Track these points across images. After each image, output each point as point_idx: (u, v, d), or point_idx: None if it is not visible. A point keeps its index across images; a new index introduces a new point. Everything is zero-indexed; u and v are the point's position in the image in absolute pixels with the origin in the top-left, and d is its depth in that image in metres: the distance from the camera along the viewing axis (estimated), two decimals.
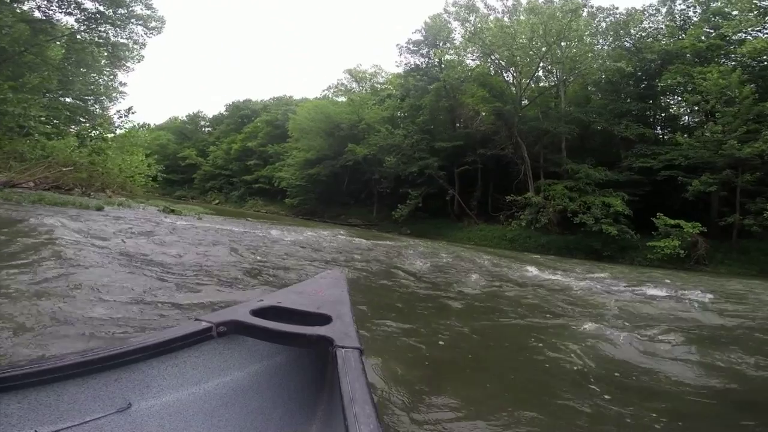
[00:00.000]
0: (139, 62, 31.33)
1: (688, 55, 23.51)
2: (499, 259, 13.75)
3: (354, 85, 40.94)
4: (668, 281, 10.74)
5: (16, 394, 1.01)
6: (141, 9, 26.06)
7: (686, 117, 26.50)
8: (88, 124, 22.23)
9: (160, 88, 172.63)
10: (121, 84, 36.80)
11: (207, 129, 65.80)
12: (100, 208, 11.67)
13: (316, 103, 37.64)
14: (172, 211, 15.12)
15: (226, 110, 62.19)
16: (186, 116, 67.56)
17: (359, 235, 18.99)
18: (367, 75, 40.66)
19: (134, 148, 29.44)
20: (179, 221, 11.88)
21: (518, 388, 2.82)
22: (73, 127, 26.05)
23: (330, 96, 41.88)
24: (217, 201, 50.40)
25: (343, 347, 1.23)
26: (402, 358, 2.86)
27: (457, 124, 31.06)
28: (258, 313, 1.48)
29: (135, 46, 27.75)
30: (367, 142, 30.83)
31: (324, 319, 1.47)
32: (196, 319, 1.42)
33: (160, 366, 1.26)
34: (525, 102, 27.31)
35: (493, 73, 29.96)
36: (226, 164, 52.26)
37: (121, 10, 23.30)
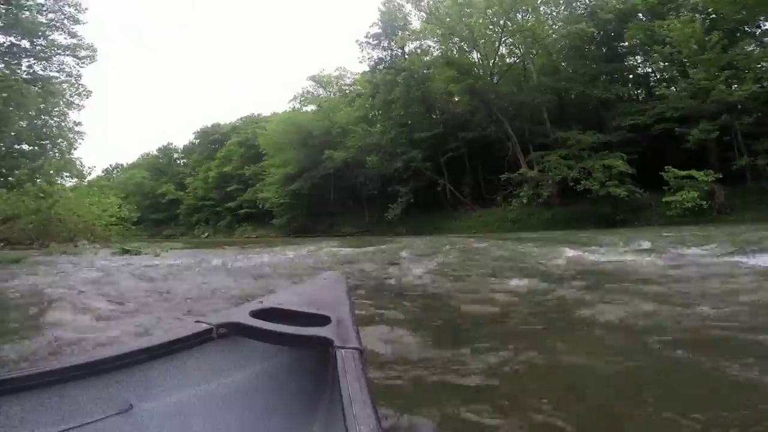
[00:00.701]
0: (87, 98, 29.90)
1: (640, 14, 22.73)
2: (512, 244, 12.01)
3: (321, 91, 38.95)
4: (726, 238, 9.02)
5: (16, 397, 0.98)
6: (64, 38, 24.22)
7: (656, 74, 24.99)
8: (26, 169, 19.95)
9: (128, 125, 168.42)
10: (76, 123, 34.69)
11: (182, 161, 63.38)
12: (16, 261, 9.69)
13: (284, 115, 35.56)
14: (127, 251, 13.11)
15: (195, 138, 59.76)
16: (157, 150, 64.93)
17: (349, 245, 17.24)
18: (332, 78, 38.66)
19: (103, 191, 27.52)
20: (126, 263, 9.77)
21: None
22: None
23: (297, 107, 39.77)
24: (206, 234, 48.30)
25: (343, 348, 1.16)
26: None
27: (434, 116, 29.33)
28: (258, 314, 1.41)
29: (69, 79, 26.05)
30: (344, 146, 28.96)
31: (324, 320, 1.38)
32: (196, 321, 1.38)
33: (160, 368, 1.22)
34: (496, 79, 25.64)
35: (457, 55, 28.23)
36: (206, 194, 50.03)
37: (40, 42, 21.11)
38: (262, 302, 1.58)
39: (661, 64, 22.84)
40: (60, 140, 40.10)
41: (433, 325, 3.23)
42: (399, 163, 26.18)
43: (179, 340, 1.27)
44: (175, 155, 64.70)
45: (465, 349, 2.43)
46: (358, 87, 35.75)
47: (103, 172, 75.41)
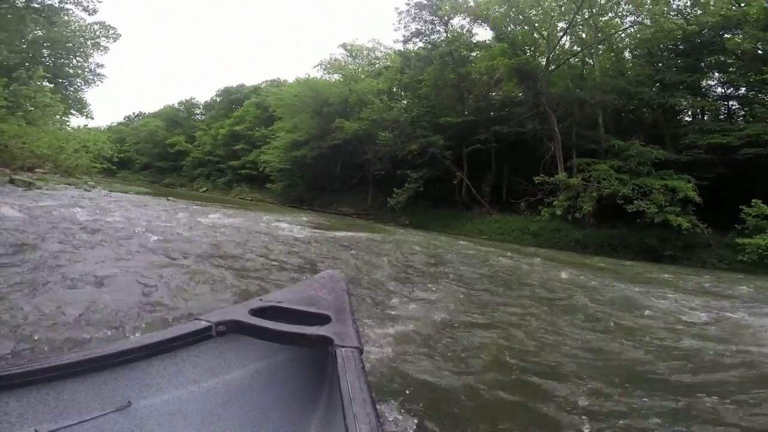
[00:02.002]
0: (115, 41, 31.47)
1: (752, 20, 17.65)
2: (553, 267, 8.11)
3: (350, 60, 34.75)
4: None
5: (15, 393, 0.95)
6: None
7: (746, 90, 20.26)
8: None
9: (158, 76, 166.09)
10: (99, 66, 33.82)
11: (201, 116, 59.90)
12: None
13: (304, 80, 31.45)
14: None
15: (217, 95, 56.23)
16: (178, 103, 61.52)
17: (343, 226, 13.49)
18: (364, 50, 34.50)
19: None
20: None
21: None
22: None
23: (323, 75, 35.65)
24: (204, 188, 44.61)
25: (342, 346, 1.16)
26: None
27: (466, 103, 24.96)
28: (257, 312, 1.39)
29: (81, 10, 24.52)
30: (359, 118, 24.84)
31: (323, 319, 1.38)
32: (196, 319, 1.35)
33: (159, 365, 1.19)
34: (552, 68, 21.26)
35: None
36: (214, 150, 46.38)
37: None
38: (261, 300, 1.52)
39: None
40: (77, 79, 37.48)
41: None
42: (415, 145, 21.89)
43: (178, 338, 1.22)
44: (197, 111, 61.39)
45: None
46: (388, 61, 31.65)
47: (124, 118, 73.13)
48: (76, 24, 35.33)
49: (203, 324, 1.29)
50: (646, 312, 4.52)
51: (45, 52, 34.17)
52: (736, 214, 14.27)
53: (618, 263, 12.77)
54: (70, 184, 14.17)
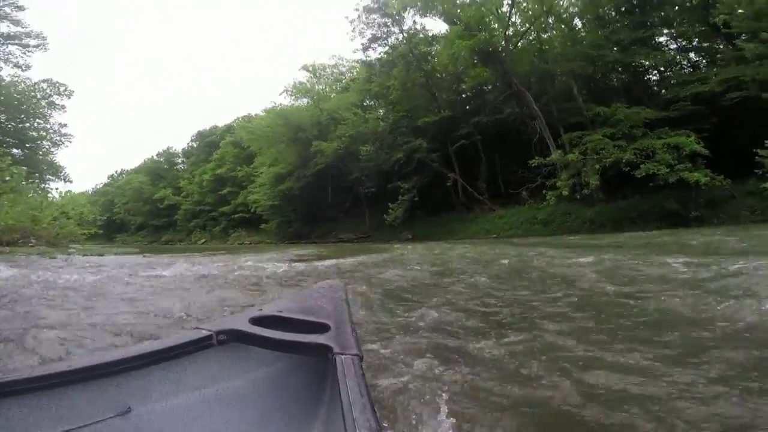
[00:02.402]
0: (69, 98, 31.09)
1: None
2: (572, 255, 7.08)
3: (315, 80, 33.59)
4: None
5: (16, 399, 0.96)
6: (7, 26, 22.13)
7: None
8: None
9: (134, 131, 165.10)
10: (62, 125, 33.32)
11: (182, 165, 58.80)
12: None
13: (272, 109, 30.30)
14: None
15: (193, 141, 55.12)
16: (156, 155, 60.38)
17: (335, 253, 12.39)
18: (327, 67, 33.31)
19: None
20: None
21: None
22: None
23: (291, 101, 34.49)
24: (203, 240, 43.55)
25: (342, 354, 1.14)
26: None
27: (440, 101, 23.83)
28: (257, 321, 1.39)
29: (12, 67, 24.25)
30: (335, 136, 23.78)
31: (323, 327, 1.36)
32: (196, 328, 1.36)
33: (160, 372, 1.19)
34: (511, 47, 20.13)
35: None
36: (202, 199, 45.25)
37: None
38: (261, 309, 1.51)
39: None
40: (42, 142, 36.45)
41: None
42: (400, 153, 20.86)
43: (179, 346, 1.22)
44: (177, 160, 60.27)
45: None
46: (355, 74, 30.52)
47: (108, 178, 72.14)
48: (23, 84, 34.36)
49: (204, 333, 1.28)
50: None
51: (2, 117, 33.34)
52: (746, 161, 13.26)
53: (642, 236, 11.63)
54: (41, 254, 13.09)
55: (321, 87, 32.15)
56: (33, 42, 24.08)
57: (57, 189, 44.97)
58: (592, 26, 20.11)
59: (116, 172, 70.81)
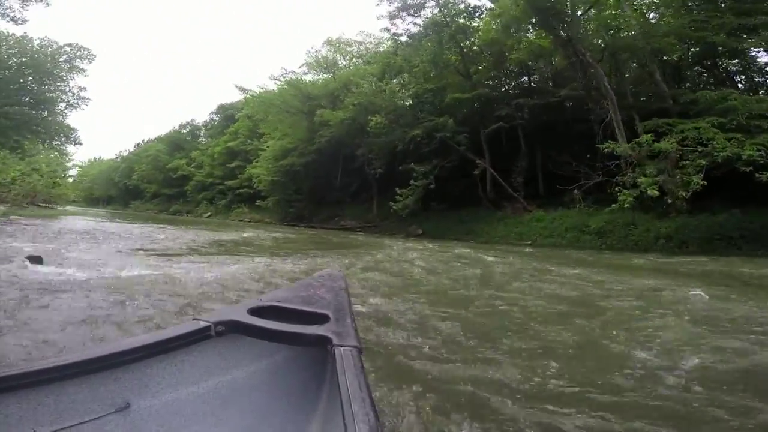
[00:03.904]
0: (90, 62, 30.14)
1: None
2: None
3: (337, 56, 29.15)
4: None
5: (15, 395, 0.91)
6: None
7: None
8: None
9: (166, 101, 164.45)
10: (81, 89, 32.06)
11: (204, 138, 55.48)
12: None
13: (288, 80, 25.93)
14: None
15: (215, 114, 51.73)
16: (180, 126, 57.27)
17: (317, 246, 8.30)
18: (352, 43, 28.82)
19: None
20: None
21: None
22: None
23: (313, 76, 30.05)
24: (208, 213, 39.96)
25: (341, 346, 1.08)
26: None
27: (474, 78, 19.03)
28: (256, 312, 1.31)
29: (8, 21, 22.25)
30: (344, 105, 19.36)
31: (322, 318, 1.30)
32: (195, 319, 1.28)
33: (158, 365, 1.13)
34: (579, 12, 15.26)
35: None
36: (212, 171, 41.68)
37: None
38: (260, 300, 1.45)
39: None
40: (59, 104, 33.86)
41: None
42: (418, 129, 16.30)
43: (177, 338, 1.16)
44: (200, 132, 57.02)
45: None
46: (382, 50, 25.97)
47: (135, 146, 69.59)
48: (49, 48, 31.87)
49: (202, 324, 1.20)
50: None
51: (30, 78, 30.73)
52: None
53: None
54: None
55: (344, 63, 27.84)
56: None
57: (72, 152, 42.67)
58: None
59: (143, 141, 68.25)
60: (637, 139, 11.36)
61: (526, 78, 17.77)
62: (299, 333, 1.18)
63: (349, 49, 28.43)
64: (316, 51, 27.75)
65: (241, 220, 30.27)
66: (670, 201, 10.80)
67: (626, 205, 10.74)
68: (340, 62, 28.12)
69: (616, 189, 11.22)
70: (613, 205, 11.04)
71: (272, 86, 25.78)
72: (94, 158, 75.91)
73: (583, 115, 14.83)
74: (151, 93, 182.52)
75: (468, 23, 18.63)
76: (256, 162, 28.97)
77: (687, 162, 10.50)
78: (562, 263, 7.43)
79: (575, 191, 12.92)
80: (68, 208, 38.72)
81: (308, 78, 27.34)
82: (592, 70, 13.76)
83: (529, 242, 13.21)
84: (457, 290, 4.23)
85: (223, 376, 1.22)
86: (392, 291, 3.68)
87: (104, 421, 0.99)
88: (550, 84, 17.29)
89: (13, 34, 31.22)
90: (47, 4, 21.47)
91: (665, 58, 15.05)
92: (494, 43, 17.08)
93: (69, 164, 39.54)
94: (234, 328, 1.23)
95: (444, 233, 15.70)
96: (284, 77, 24.55)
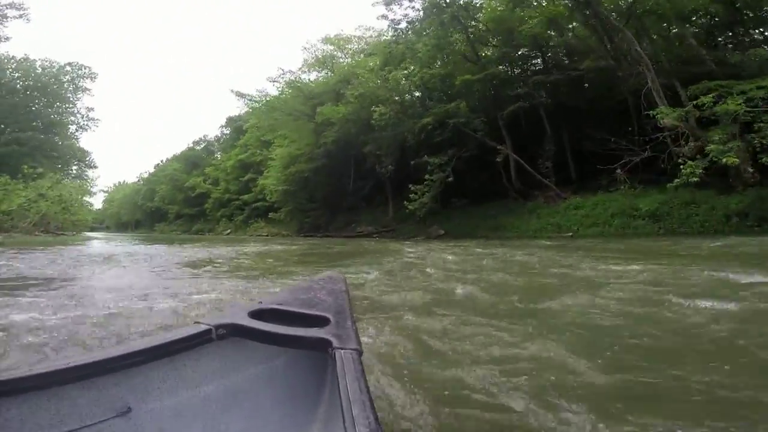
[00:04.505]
0: (93, 80, 31.03)
1: None
2: None
3: (339, 54, 27.53)
4: None
5: (16, 399, 0.90)
6: None
7: None
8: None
9: (180, 117, 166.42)
10: (89, 109, 32.38)
11: (218, 154, 55.03)
12: None
13: (289, 82, 24.51)
14: None
15: (224, 127, 51.14)
16: (193, 142, 56.96)
17: (318, 260, 6.92)
18: (352, 39, 27.15)
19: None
20: None
21: None
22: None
23: (315, 76, 28.49)
24: (228, 230, 39.22)
25: (342, 349, 1.05)
26: None
27: (483, 58, 17.06)
28: (257, 315, 1.27)
29: None
30: (345, 100, 17.77)
31: (323, 321, 1.25)
32: (195, 322, 1.22)
33: (159, 369, 1.10)
34: None
35: None
36: (228, 186, 40.96)
37: None
38: (261, 303, 1.42)
39: None
40: (70, 126, 33.59)
41: None
42: (428, 117, 14.51)
43: (178, 341, 1.12)
44: (213, 147, 56.58)
45: None
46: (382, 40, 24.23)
47: (154, 167, 70.07)
48: (52, 69, 31.58)
49: (203, 327, 1.16)
50: None
51: (38, 102, 31.34)
52: None
53: None
54: None
55: (346, 60, 26.21)
56: (12, 12, 20.79)
57: (94, 177, 42.68)
58: None
59: (161, 161, 68.56)
60: (695, 101, 9.30)
61: (541, 53, 15.67)
62: (300, 336, 1.13)
63: (348, 46, 26.85)
64: (313, 46, 26.19)
65: (259, 235, 29.25)
66: (746, 171, 8.75)
67: (694, 179, 8.78)
68: (340, 59, 26.57)
69: (679, 161, 9.22)
70: (676, 181, 9.12)
71: (272, 89, 24.49)
72: (119, 182, 76.88)
73: (611, 87, 12.81)
74: (164, 113, 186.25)
75: (469, 0, 16.76)
76: (267, 173, 27.81)
77: (762, 124, 8.44)
78: (629, 256, 5.66)
79: (617, 171, 10.91)
80: (91, 234, 38.79)
81: (308, 77, 26.03)
82: (620, 35, 11.69)
83: (570, 234, 11.34)
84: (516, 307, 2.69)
85: (224, 380, 1.18)
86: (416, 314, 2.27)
87: (105, 426, 0.97)
88: (565, 60, 15.27)
89: (14, 56, 31.04)
90: (27, 20, 21.02)
91: (694, 19, 12.93)
92: (502, 20, 15.09)
93: (92, 189, 39.63)
94: (235, 331, 1.18)
95: (469, 232, 13.96)
96: (282, 78, 23.09)
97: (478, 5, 17.08)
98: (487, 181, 15.10)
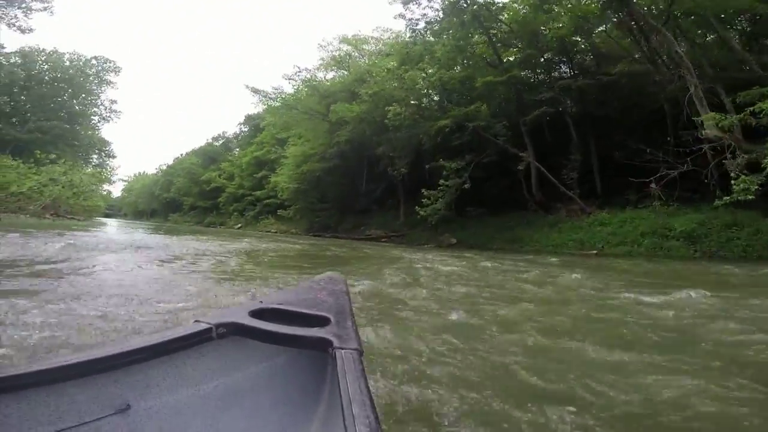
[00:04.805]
0: (117, 74, 32.45)
1: None
2: None
3: (356, 54, 26.84)
4: None
5: (14, 396, 0.89)
6: None
7: None
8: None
9: (201, 112, 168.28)
10: (112, 102, 33.47)
11: (237, 150, 55.23)
12: None
13: (305, 80, 23.94)
14: None
15: (242, 124, 51.29)
16: (212, 138, 57.45)
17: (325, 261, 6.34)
18: (370, 40, 26.44)
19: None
20: None
21: None
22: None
23: (333, 75, 27.86)
24: (239, 225, 39.09)
25: (342, 348, 1.05)
26: None
27: (506, 62, 16.11)
28: (257, 314, 1.25)
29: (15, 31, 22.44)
30: (361, 98, 17.04)
31: (323, 321, 1.24)
32: (196, 321, 1.21)
33: (159, 367, 1.09)
34: None
35: None
36: (242, 182, 40.93)
37: None
38: (261, 302, 1.39)
39: None
40: (93, 117, 34.40)
41: None
42: (447, 120, 13.66)
43: (178, 340, 1.11)
44: (232, 144, 56.85)
45: None
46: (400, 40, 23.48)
47: (174, 160, 70.90)
48: (79, 62, 32.06)
49: (203, 326, 1.15)
50: None
51: (64, 93, 31.96)
52: None
53: None
54: None
55: (363, 60, 25.54)
56: (36, 5, 21.14)
57: (114, 166, 43.27)
58: None
59: (181, 154, 69.25)
60: (751, 108, 8.29)
61: (567, 58, 14.68)
62: (300, 335, 1.12)
63: (365, 46, 26.18)
64: (329, 44, 25.60)
65: (268, 231, 28.81)
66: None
67: (749, 196, 7.81)
68: (357, 60, 25.92)
69: (731, 176, 8.21)
70: (726, 198, 8.12)
71: (287, 87, 24.00)
72: (139, 173, 78.19)
73: (647, 94, 11.81)
74: (188, 106, 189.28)
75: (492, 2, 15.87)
76: (279, 170, 27.35)
77: None
78: (674, 282, 4.78)
79: (652, 185, 9.90)
80: (105, 220, 39.10)
81: (324, 76, 25.43)
82: (657, 36, 10.69)
83: (594, 251, 10.36)
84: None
85: (224, 379, 1.15)
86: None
87: (104, 423, 0.96)
88: (593, 66, 14.27)
89: (44, 49, 31.73)
90: (51, 13, 21.42)
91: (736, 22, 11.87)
92: (526, 22, 14.19)
93: (111, 178, 40.16)
94: (235, 330, 1.17)
95: (483, 243, 13.07)
96: (298, 76, 22.56)
97: (500, 5, 16.22)
98: (505, 190, 14.18)
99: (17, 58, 29.41)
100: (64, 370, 0.93)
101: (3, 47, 26.13)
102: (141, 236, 14.72)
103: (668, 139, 10.41)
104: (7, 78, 26.38)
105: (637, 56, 11.45)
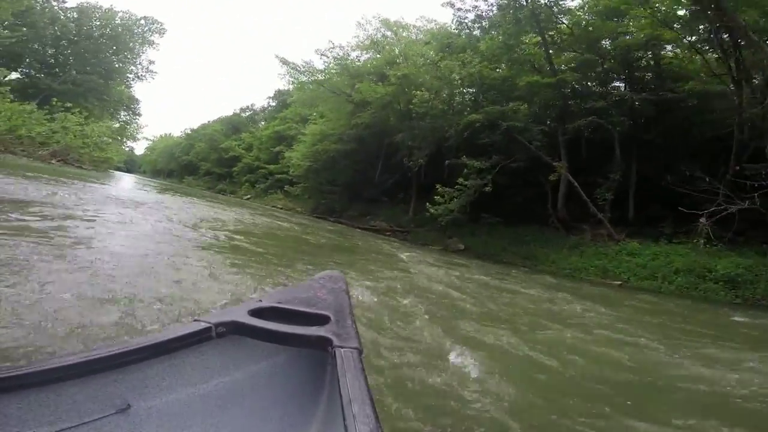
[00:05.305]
0: (161, 35, 31.62)
1: None
2: None
3: (394, 40, 25.47)
4: None
5: (14, 395, 0.88)
6: None
7: None
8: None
9: (235, 80, 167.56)
10: (150, 62, 33.46)
11: (263, 123, 54.71)
12: None
13: (336, 58, 22.73)
14: None
15: (271, 99, 50.77)
16: (240, 109, 57.18)
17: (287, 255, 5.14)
18: (410, 27, 25.04)
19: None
20: None
21: None
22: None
23: (356, 54, 26.24)
24: (248, 196, 38.38)
25: (342, 347, 1.05)
26: None
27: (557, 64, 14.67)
28: (257, 313, 1.25)
29: None
30: (389, 81, 15.82)
31: (323, 320, 1.25)
32: (195, 320, 1.22)
33: (159, 366, 1.08)
34: None
35: None
36: (259, 154, 40.32)
37: None
38: (261, 301, 1.40)
39: None
40: (129, 75, 34.39)
41: None
42: (479, 116, 12.38)
43: (178, 339, 1.11)
44: (260, 117, 56.37)
45: None
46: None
47: (200, 125, 70.90)
48: (128, 21, 31.82)
49: (203, 325, 1.15)
50: None
51: (109, 51, 32.06)
52: None
53: None
54: None
55: (400, 46, 24.24)
56: None
57: (141, 124, 43.26)
58: None
59: (208, 121, 69.20)
60: None
61: (629, 70, 13.17)
62: (300, 334, 1.12)
63: (405, 33, 24.79)
64: (368, 23, 24.24)
65: (274, 206, 27.90)
66: None
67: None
68: (395, 47, 24.58)
69: None
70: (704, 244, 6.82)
71: (318, 62, 22.82)
72: (164, 134, 78.68)
73: (708, 119, 10.35)
74: (225, 74, 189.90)
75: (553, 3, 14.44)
76: (296, 147, 26.34)
77: None
78: (711, 333, 3.47)
79: (701, 219, 8.46)
80: (117, 173, 38.82)
81: (357, 56, 24.15)
82: (754, 53, 9.18)
83: (618, 282, 9.01)
84: None
85: (224, 378, 1.15)
86: None
87: (104, 422, 0.95)
88: (653, 84, 12.76)
89: (101, 6, 31.63)
90: None
91: None
92: (595, 27, 12.75)
93: (136, 135, 40.18)
94: (235, 329, 1.16)
95: (494, 253, 11.76)
96: (330, 52, 21.43)
97: (564, 6, 14.78)
98: (525, 201, 12.82)
99: (74, 14, 29.52)
100: (64, 370, 0.91)
101: (65, 1, 26.09)
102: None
103: (727, 169, 8.94)
104: (60, 31, 26.37)
105: (716, 75, 9.92)
